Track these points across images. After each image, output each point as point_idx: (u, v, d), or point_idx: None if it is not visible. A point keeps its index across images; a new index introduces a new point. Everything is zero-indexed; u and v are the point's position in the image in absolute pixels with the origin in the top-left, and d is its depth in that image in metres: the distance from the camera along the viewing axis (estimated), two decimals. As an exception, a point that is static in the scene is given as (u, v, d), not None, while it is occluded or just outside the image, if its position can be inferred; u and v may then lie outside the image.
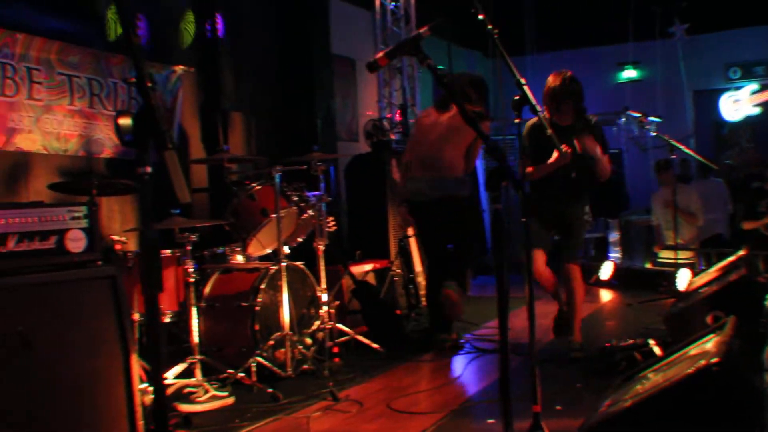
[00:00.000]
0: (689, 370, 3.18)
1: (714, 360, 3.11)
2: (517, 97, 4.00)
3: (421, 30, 3.69)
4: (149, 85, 1.86)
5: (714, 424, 3.02)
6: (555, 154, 5.84)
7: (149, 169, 1.83)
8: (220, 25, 8.44)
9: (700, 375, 3.08)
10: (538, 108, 4.05)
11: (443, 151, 6.94)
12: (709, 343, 3.48)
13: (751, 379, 3.27)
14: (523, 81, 4.00)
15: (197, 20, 8.55)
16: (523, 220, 4.16)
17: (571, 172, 6.01)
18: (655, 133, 10.41)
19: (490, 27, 3.90)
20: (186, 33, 8.46)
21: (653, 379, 3.50)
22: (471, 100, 6.93)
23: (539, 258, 6.42)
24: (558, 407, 4.89)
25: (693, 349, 3.65)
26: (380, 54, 3.62)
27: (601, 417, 3.37)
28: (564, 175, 6.13)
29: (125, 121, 1.80)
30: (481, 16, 3.84)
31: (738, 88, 14.17)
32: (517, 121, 4.31)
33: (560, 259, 6.53)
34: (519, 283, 4.50)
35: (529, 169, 6.19)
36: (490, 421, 4.82)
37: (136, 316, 5.32)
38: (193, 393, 5.49)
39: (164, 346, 5.97)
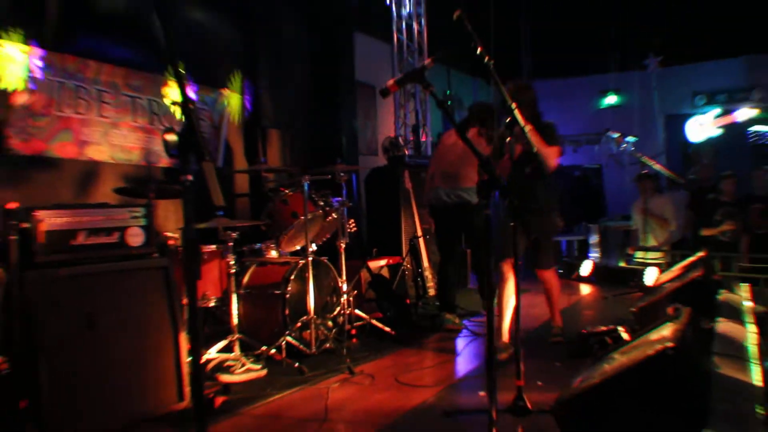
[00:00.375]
0: (649, 352, 3.19)
1: (669, 344, 3.12)
2: (508, 119, 4.02)
3: (426, 62, 3.73)
4: (191, 107, 1.90)
5: (667, 399, 3.03)
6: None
7: (190, 177, 1.86)
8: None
9: (658, 356, 3.08)
10: (527, 128, 4.06)
11: (460, 168, 7.17)
12: (666, 330, 3.49)
13: (700, 362, 3.29)
14: (513, 105, 4.02)
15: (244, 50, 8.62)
16: (512, 224, 4.19)
17: (525, 168, 5.83)
18: (632, 150, 10.40)
19: (487, 59, 3.93)
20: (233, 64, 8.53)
21: (619, 359, 3.50)
22: (486, 123, 7.10)
23: (509, 268, 6.04)
24: (539, 383, 4.91)
25: (653, 335, 3.65)
26: (391, 81, 3.66)
27: (574, 391, 3.38)
28: (520, 173, 5.86)
29: (171, 137, 1.83)
30: (479, 50, 3.87)
31: (703, 113, 14.15)
32: (508, 140, 4.34)
33: (535, 265, 6.39)
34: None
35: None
36: (481, 393, 4.84)
37: (185, 301, 5.36)
38: (232, 366, 5.52)
39: (201, 322, 6.02)
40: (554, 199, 6.14)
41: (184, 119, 1.84)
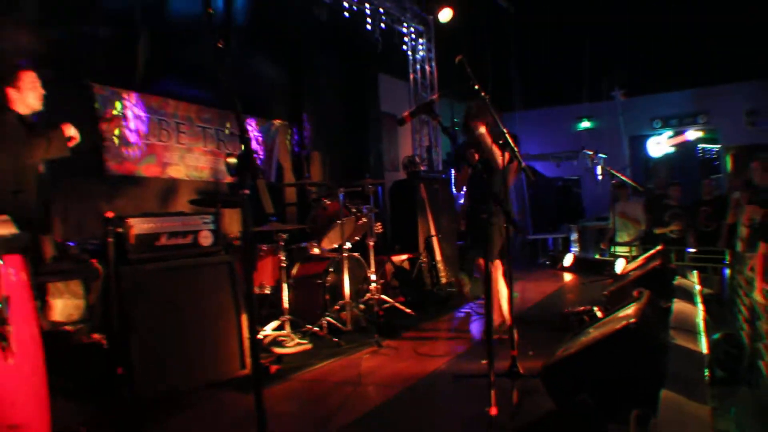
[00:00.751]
0: (616, 327, 3.19)
1: (632, 320, 3.12)
2: (501, 142, 4.01)
3: (434, 97, 3.75)
4: (247, 136, 1.93)
5: (631, 364, 3.02)
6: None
7: (247, 192, 1.89)
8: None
9: (623, 330, 3.09)
10: (516, 150, 4.03)
11: None
12: (630, 309, 3.48)
13: (658, 334, 3.28)
14: (505, 130, 4.01)
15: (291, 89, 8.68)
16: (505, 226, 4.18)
17: (482, 173, 5.28)
18: (602, 164, 10.40)
19: (483, 94, 3.93)
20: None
21: (593, 333, 3.50)
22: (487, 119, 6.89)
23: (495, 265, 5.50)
24: (531, 353, 4.90)
25: (621, 313, 3.65)
26: (406, 113, 3.67)
27: (557, 359, 3.38)
28: (480, 179, 5.40)
29: (232, 161, 1.86)
30: (476, 87, 3.87)
31: (659, 134, 14.14)
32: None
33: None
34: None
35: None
36: (483, 361, 4.82)
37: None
38: (284, 340, 5.55)
39: (256, 305, 6.02)
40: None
41: (242, 146, 1.87)
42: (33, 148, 3.82)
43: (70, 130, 4.00)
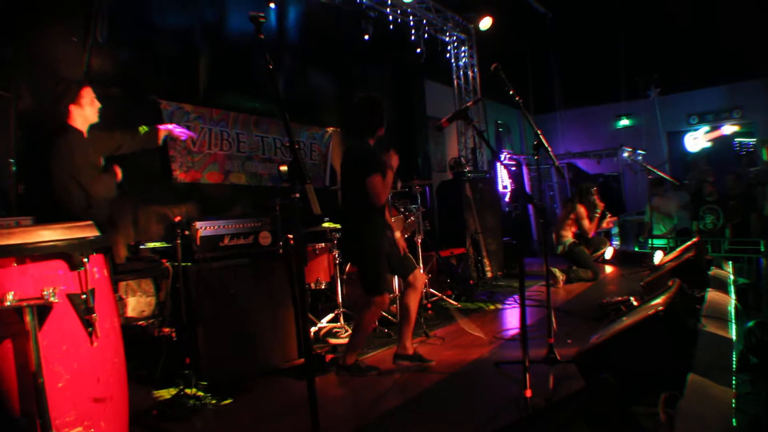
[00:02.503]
0: (646, 314, 3.21)
1: (661, 308, 3.14)
2: (535, 142, 4.04)
3: (469, 104, 3.81)
4: (297, 146, 2.04)
5: (659, 349, 3.04)
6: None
7: (298, 195, 2.00)
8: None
9: (652, 317, 3.11)
10: (549, 149, 4.07)
11: None
12: (661, 298, 3.49)
13: (686, 321, 3.28)
14: (539, 131, 4.05)
15: (343, 96, 8.82)
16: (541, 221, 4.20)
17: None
18: (641, 160, 10.29)
19: (517, 98, 3.98)
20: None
21: (625, 321, 3.52)
22: None
23: None
24: (569, 341, 4.92)
25: (653, 302, 3.65)
26: (443, 120, 3.75)
27: (591, 345, 3.41)
28: None
29: (284, 168, 1.97)
30: (512, 92, 3.92)
31: (696, 130, 13.90)
32: (536, 158, 4.35)
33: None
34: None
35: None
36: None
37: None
38: (338, 331, 5.68)
39: (307, 299, 6.13)
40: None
41: (292, 155, 1.98)
42: (94, 183, 4.01)
43: (119, 172, 4.19)
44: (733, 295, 4.34)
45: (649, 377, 3.02)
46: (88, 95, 4.10)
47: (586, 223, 8.68)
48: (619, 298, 5.74)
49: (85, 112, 4.08)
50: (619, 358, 3.17)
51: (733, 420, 2.27)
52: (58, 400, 2.27)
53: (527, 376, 3.20)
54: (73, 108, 4.03)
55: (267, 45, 2.22)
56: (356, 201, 4.39)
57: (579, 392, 2.11)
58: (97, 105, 4.16)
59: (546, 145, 3.96)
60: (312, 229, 6.09)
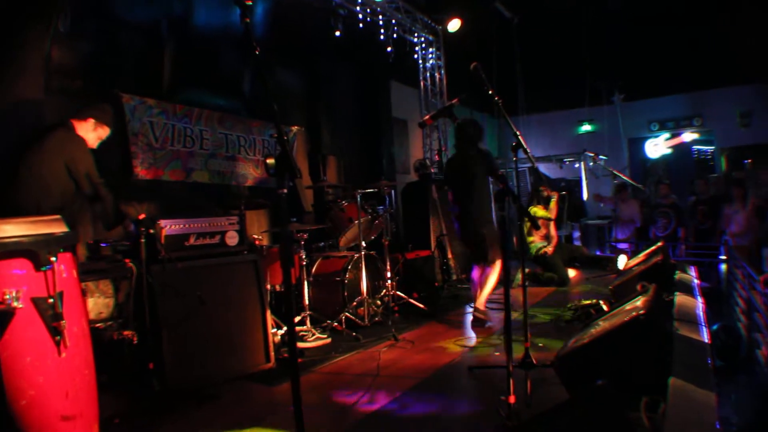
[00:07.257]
0: (626, 318, 3.20)
1: (642, 312, 3.14)
2: (514, 143, 3.99)
3: (454, 101, 3.77)
4: (285, 138, 1.95)
5: (640, 354, 3.03)
6: None
7: (285, 191, 1.91)
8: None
9: (633, 321, 3.10)
10: (528, 150, 4.04)
11: None
12: (639, 302, 3.49)
13: (664, 325, 3.29)
14: (518, 132, 4.01)
15: (308, 95, 8.73)
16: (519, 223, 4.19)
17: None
18: (603, 165, 10.43)
19: (496, 98, 3.94)
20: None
21: (603, 325, 3.51)
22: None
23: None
24: (540, 345, 4.92)
25: (628, 306, 3.65)
26: (427, 116, 3.70)
27: (569, 349, 3.39)
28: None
29: (270, 161, 1.87)
30: (490, 92, 3.88)
31: (657, 137, 14.19)
32: (514, 159, 4.32)
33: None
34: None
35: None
36: (497, 353, 4.86)
37: (268, 286, 5.40)
38: (305, 335, 5.59)
39: (294, 301, 6.06)
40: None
41: (280, 148, 1.89)
42: (103, 188, 4.35)
43: (130, 226, 4.42)
44: (699, 299, 4.39)
45: (630, 381, 3.01)
46: (101, 130, 4.56)
47: (544, 213, 8.72)
48: (588, 302, 5.76)
49: (90, 139, 4.48)
50: (599, 362, 3.15)
51: (716, 423, 2.26)
52: (22, 421, 2.09)
53: (511, 381, 3.15)
54: (78, 125, 4.46)
55: (233, 39, 2.12)
56: (482, 193, 5.65)
57: (570, 401, 2.07)
58: (103, 137, 4.59)
59: (525, 146, 3.92)
60: (274, 230, 6.00)
